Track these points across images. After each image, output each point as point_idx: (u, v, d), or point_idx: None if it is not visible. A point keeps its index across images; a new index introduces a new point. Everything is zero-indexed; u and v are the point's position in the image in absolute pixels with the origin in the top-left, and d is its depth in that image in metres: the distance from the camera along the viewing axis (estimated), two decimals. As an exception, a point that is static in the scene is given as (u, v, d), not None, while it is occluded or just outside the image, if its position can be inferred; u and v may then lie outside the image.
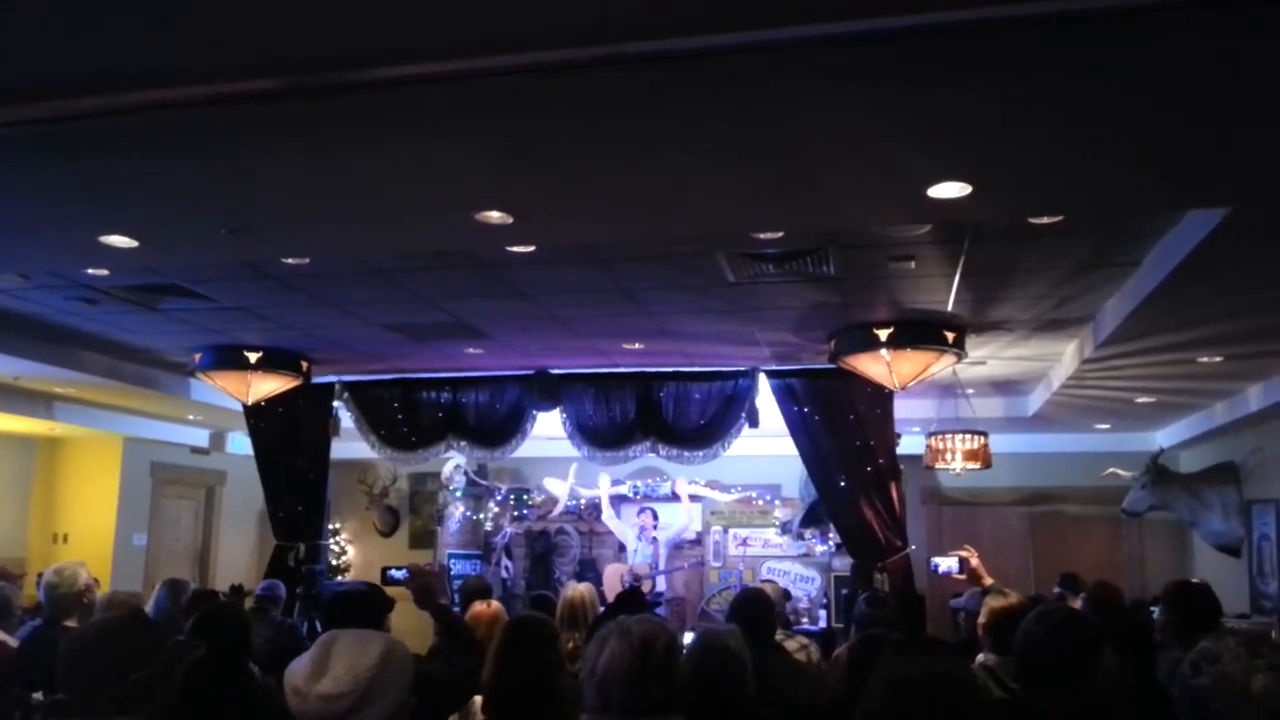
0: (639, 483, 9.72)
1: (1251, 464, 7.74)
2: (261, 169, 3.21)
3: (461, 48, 2.33)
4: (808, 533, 9.23)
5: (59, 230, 3.87)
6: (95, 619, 2.93)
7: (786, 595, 6.87)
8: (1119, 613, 4.39)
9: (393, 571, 5.52)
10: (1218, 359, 5.73)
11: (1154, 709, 2.79)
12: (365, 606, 3.41)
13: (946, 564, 5.49)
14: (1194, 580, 4.45)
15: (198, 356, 6.84)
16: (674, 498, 9.65)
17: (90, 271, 4.87)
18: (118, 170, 3.21)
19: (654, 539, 9.21)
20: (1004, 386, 7.83)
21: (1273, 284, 4.24)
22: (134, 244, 3.96)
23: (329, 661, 1.99)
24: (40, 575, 4.53)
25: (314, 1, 2.20)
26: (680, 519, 9.44)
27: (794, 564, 9.43)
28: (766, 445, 8.00)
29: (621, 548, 9.46)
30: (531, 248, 4.39)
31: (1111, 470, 8.30)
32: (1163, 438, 8.73)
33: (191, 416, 9.31)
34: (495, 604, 4.46)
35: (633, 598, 5.96)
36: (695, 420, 7.21)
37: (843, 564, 8.33)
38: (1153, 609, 4.47)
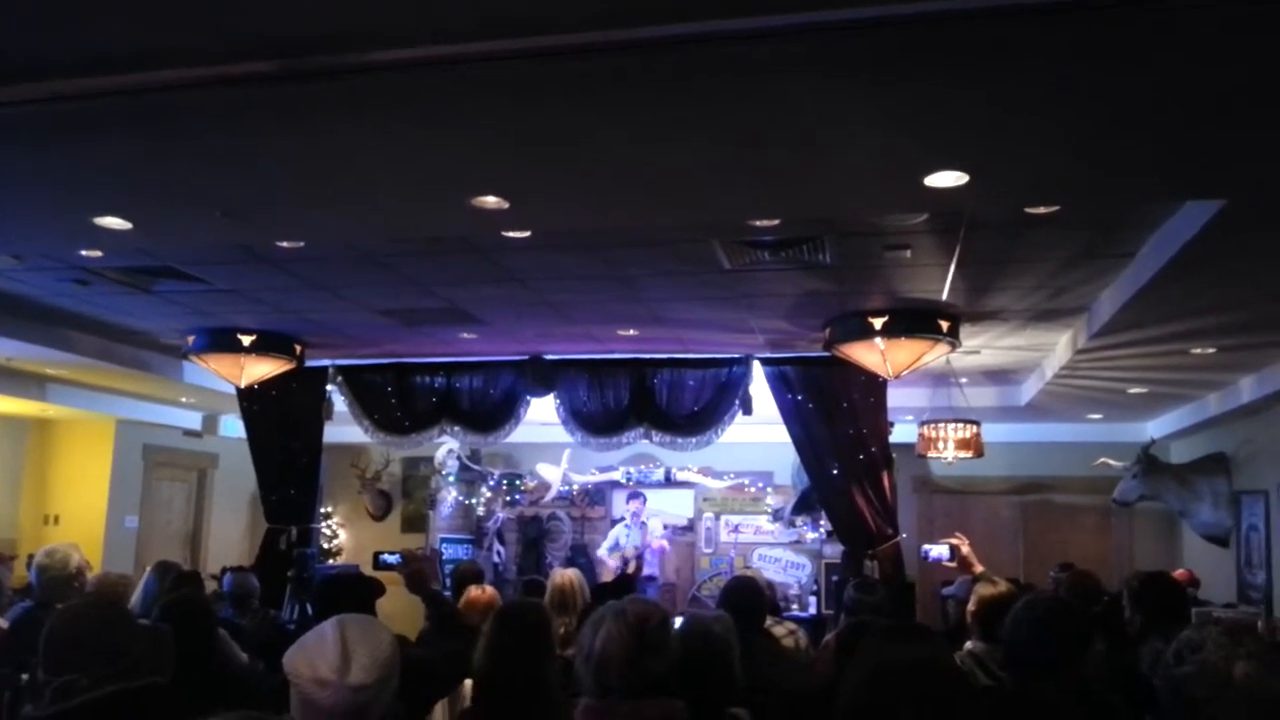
0: (632, 469, 9.74)
1: (1242, 455, 7.78)
2: (256, 152, 3.19)
3: (458, 32, 2.32)
4: (799, 520, 9.25)
5: (52, 212, 3.85)
6: (72, 602, 2.91)
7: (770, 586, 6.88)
8: (1096, 602, 4.41)
9: (385, 556, 5.53)
10: (1211, 350, 5.75)
11: (1137, 699, 2.81)
12: (358, 591, 3.43)
13: (937, 551, 5.51)
14: (1157, 571, 4.36)
15: (191, 339, 6.83)
16: (668, 484, 9.66)
17: (84, 253, 4.85)
18: (112, 152, 3.19)
19: (643, 523, 9.21)
20: (997, 376, 7.85)
21: (1267, 276, 4.25)
22: (128, 226, 3.94)
23: (351, 650, 1.96)
24: (31, 556, 4.52)
25: (309, -16, 2.19)
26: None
27: (785, 551, 9.46)
28: (759, 432, 8.01)
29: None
30: (527, 233, 4.38)
31: (1103, 460, 8.34)
32: (1154, 428, 8.75)
33: (184, 399, 9.29)
34: (490, 589, 4.47)
35: (620, 584, 6.00)
36: (689, 407, 7.22)
37: (834, 551, 8.35)
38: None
